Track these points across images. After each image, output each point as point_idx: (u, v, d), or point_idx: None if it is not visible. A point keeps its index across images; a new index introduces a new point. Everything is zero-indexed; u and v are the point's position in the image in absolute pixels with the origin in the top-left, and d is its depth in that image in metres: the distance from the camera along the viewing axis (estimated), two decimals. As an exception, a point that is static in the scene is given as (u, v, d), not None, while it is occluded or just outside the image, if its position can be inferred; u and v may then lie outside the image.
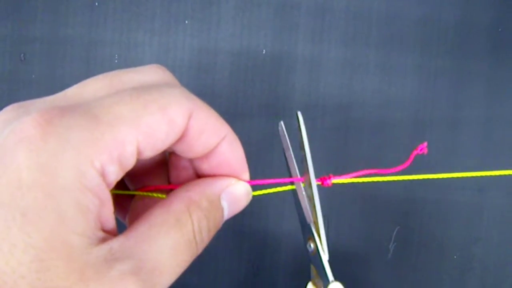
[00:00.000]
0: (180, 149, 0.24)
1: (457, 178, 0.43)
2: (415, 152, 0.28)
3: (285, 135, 0.28)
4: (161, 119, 0.21)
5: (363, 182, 0.41)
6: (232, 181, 0.25)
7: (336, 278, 0.26)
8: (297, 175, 0.27)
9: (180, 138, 0.23)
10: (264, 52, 0.43)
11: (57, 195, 0.19)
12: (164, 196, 0.26)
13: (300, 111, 0.27)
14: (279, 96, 0.42)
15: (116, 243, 0.20)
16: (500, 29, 0.42)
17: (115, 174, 0.20)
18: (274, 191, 0.28)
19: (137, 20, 0.43)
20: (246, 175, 0.26)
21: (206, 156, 0.24)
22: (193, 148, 0.23)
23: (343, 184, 0.42)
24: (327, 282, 0.26)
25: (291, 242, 0.43)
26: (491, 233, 0.43)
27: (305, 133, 0.27)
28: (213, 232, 0.24)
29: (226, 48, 0.43)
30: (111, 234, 0.21)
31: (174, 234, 0.22)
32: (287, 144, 0.28)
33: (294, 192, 0.27)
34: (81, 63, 0.44)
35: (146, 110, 0.21)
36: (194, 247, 0.23)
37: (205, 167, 0.25)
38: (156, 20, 0.43)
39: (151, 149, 0.21)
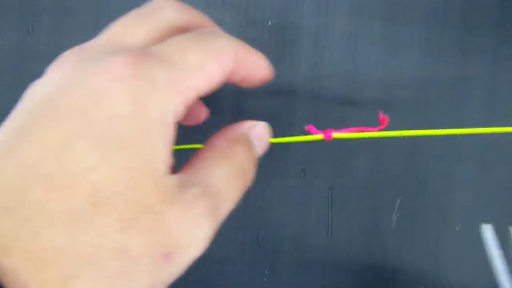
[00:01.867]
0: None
1: (460, 150, 0.43)
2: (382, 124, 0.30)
3: (493, 241, 0.29)
4: (217, 68, 0.24)
5: (366, 152, 0.41)
6: (253, 123, 0.29)
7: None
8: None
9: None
10: (269, 24, 0.43)
11: (149, 126, 0.22)
12: (201, 145, 0.29)
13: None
14: (284, 67, 0.42)
15: (181, 174, 0.24)
16: (506, 3, 0.42)
17: (181, 116, 0.24)
18: (294, 139, 0.32)
19: (144, -9, 0.44)
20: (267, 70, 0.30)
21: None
22: (230, 78, 0.27)
23: (346, 155, 0.43)
24: None
25: (296, 213, 0.44)
26: (494, 205, 0.43)
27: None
28: (255, 164, 0.28)
29: (232, 19, 0.43)
30: (171, 168, 0.24)
31: (225, 164, 0.25)
32: (495, 252, 0.29)
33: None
34: (88, 34, 0.44)
35: (208, 60, 0.24)
36: (243, 176, 0.26)
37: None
38: (162, -9, 0.44)
39: (206, 91, 0.25)
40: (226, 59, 0.25)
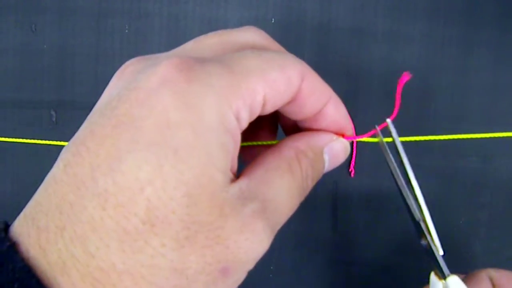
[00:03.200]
0: (291, 110, 0.25)
1: (463, 145, 0.43)
2: (399, 87, 0.29)
3: (384, 144, 0.28)
4: (281, 76, 0.22)
5: (370, 147, 0.41)
6: (334, 137, 0.27)
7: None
8: (403, 186, 0.28)
9: (293, 99, 0.24)
10: (273, 21, 0.43)
11: (205, 134, 0.20)
12: (275, 141, 0.27)
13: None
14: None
15: (242, 183, 0.22)
16: (508, -3, 0.42)
17: (245, 121, 0.22)
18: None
19: (146, -11, 0.44)
20: (351, 133, 0.28)
21: (314, 118, 0.26)
22: (303, 109, 0.25)
23: (351, 150, 0.43)
24: (443, 275, 0.28)
25: (301, 209, 0.44)
26: (496, 199, 0.43)
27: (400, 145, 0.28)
28: (315, 182, 0.26)
29: (236, 17, 0.43)
30: (233, 174, 0.22)
31: (288, 178, 0.23)
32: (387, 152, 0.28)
33: (400, 191, 0.28)
34: (91, 33, 0.45)
35: (269, 65, 0.22)
36: (302, 192, 0.25)
37: (313, 128, 0.27)
38: (165, -11, 0.44)
39: (273, 103, 0.23)
40: (292, 71, 0.23)
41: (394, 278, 0.44)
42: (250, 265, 0.22)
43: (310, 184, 0.25)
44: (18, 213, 0.21)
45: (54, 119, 0.45)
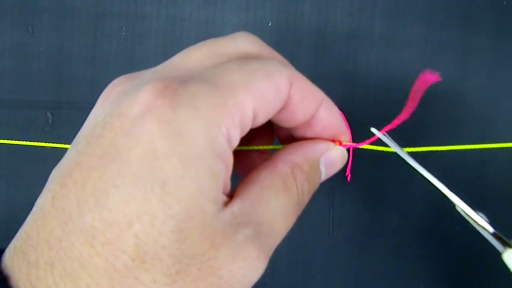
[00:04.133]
0: (283, 118, 0.24)
1: (460, 150, 0.43)
2: (422, 88, 0.28)
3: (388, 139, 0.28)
4: (268, 85, 0.22)
5: (366, 151, 0.41)
6: (330, 145, 0.26)
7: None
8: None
9: (284, 107, 0.23)
10: (270, 24, 0.43)
11: (194, 163, 0.19)
12: (277, 146, 0.27)
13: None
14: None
15: (235, 207, 0.21)
16: (505, 2, 0.42)
17: (236, 139, 0.21)
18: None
19: (144, -8, 0.44)
20: (347, 137, 0.27)
21: (308, 123, 0.25)
22: (295, 115, 0.24)
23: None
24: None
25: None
26: (493, 204, 0.43)
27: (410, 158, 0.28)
28: (311, 194, 0.25)
29: (233, 20, 0.43)
30: (227, 195, 0.21)
31: (283, 197, 0.23)
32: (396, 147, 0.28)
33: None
34: (88, 35, 0.44)
35: (254, 76, 0.21)
36: (298, 208, 0.24)
37: (308, 134, 0.26)
38: (163, -8, 0.44)
39: (263, 114, 0.22)
40: (279, 78, 0.22)
41: (392, 282, 0.44)
42: None
43: (306, 199, 0.25)
44: (14, 216, 0.21)
45: (50, 121, 0.45)
